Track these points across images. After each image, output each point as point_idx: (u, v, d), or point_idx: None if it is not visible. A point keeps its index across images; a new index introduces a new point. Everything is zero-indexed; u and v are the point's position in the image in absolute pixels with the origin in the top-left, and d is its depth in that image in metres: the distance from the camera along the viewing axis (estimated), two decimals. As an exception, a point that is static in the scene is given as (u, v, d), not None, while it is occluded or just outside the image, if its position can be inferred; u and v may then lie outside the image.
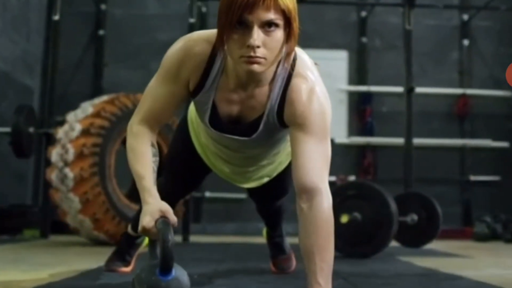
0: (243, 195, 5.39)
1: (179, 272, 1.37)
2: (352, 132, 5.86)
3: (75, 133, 3.58)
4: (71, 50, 5.55)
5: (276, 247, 2.34)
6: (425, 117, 5.75)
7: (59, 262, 2.53)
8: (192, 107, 1.90)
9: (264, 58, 1.38)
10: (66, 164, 3.53)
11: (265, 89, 1.52)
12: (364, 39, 5.96)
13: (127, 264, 2.12)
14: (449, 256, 3.40)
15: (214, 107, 1.57)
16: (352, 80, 5.93)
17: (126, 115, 3.73)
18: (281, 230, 2.36)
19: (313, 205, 1.42)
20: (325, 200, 1.44)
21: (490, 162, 5.88)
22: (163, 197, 2.07)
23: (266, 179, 1.99)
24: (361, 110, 5.87)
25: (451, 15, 6.06)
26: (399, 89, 5.23)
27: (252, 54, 1.36)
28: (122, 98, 3.81)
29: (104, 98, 3.88)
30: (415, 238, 3.88)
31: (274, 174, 1.98)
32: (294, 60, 1.51)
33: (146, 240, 2.24)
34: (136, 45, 5.78)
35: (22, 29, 5.23)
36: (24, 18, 5.28)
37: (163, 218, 1.39)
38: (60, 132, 3.66)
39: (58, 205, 3.66)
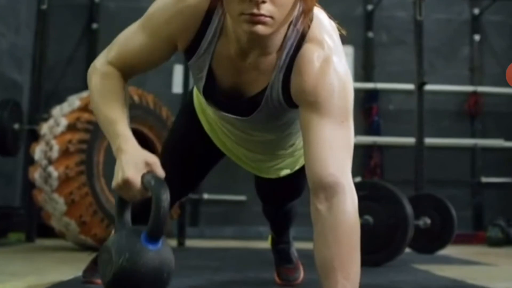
0: (243, 197, 5.18)
1: (165, 242, 1.15)
2: (357, 131, 5.54)
3: (60, 129, 3.29)
4: (63, 44, 5.32)
5: (281, 255, 2.03)
6: (434, 116, 5.47)
7: (33, 271, 2.23)
8: None
9: (271, 17, 1.10)
10: (50, 162, 3.24)
11: (271, 58, 1.23)
12: (370, 34, 5.69)
13: (107, 274, 1.82)
14: (469, 263, 3.10)
15: (210, 75, 1.27)
16: (358, 77, 5.64)
17: (116, 109, 3.46)
18: (288, 237, 2.05)
19: (334, 205, 1.13)
20: (349, 199, 1.15)
21: (503, 163, 5.62)
22: None
23: (286, 171, 1.66)
24: (367, 108, 5.59)
25: (461, 9, 5.81)
26: (407, 86, 5.00)
27: (255, 11, 1.07)
28: (112, 91, 3.52)
29: (93, 91, 3.59)
30: (428, 243, 3.63)
31: (297, 167, 1.64)
32: (310, 20, 1.22)
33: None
34: (130, 39, 5.52)
35: (10, 21, 4.95)
36: (13, 9, 5.00)
37: (152, 173, 1.15)
38: (45, 128, 3.38)
39: (42, 207, 3.38)
